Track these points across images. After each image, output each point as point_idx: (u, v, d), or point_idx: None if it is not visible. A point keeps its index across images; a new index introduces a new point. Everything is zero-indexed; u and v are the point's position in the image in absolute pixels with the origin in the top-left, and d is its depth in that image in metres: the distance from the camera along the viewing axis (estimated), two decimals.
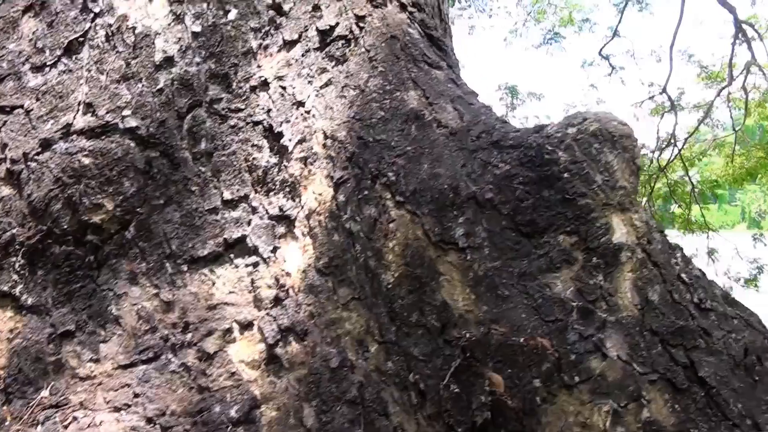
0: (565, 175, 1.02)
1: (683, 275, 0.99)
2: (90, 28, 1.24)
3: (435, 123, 1.12)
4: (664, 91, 5.45)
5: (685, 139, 5.71)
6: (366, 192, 1.05)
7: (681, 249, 1.03)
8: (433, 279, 1.01)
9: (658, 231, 1.04)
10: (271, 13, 1.24)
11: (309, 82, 1.18)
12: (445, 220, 1.02)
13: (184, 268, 1.09)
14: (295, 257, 1.05)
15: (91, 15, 1.25)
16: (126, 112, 1.16)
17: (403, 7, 1.44)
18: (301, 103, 1.15)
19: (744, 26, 4.44)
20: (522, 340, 0.95)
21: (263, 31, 1.22)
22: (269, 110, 1.15)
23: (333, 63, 1.21)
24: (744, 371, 0.92)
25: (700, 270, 1.06)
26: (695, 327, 0.94)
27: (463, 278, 1.00)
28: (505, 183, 1.05)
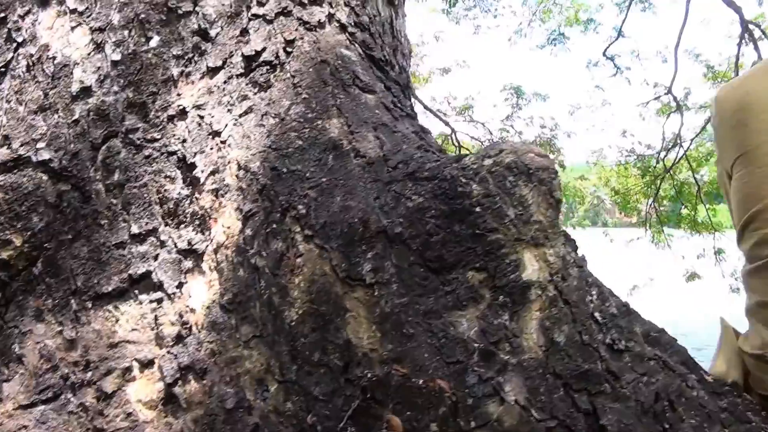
0: (477, 209, 1.23)
1: (597, 314, 1.17)
2: (12, 58, 1.52)
3: (353, 153, 1.35)
4: (669, 91, 5.97)
5: (692, 140, 6.23)
6: (274, 225, 1.28)
7: (599, 285, 1.22)
8: (339, 316, 1.22)
9: (576, 266, 1.24)
10: (196, 39, 1.51)
11: (229, 110, 1.43)
12: (354, 255, 1.24)
13: (89, 304, 1.33)
14: (201, 293, 1.28)
15: (14, 45, 1.54)
16: (40, 145, 1.43)
17: (342, 28, 1.70)
18: (217, 133, 1.40)
19: (750, 26, 4.88)
20: (422, 381, 1.15)
21: (186, 58, 1.48)
22: (184, 140, 1.40)
23: (256, 90, 1.46)
24: (653, 418, 1.10)
25: (625, 305, 1.24)
26: (602, 370, 1.13)
27: (370, 315, 1.21)
28: (417, 216, 1.26)
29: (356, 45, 1.72)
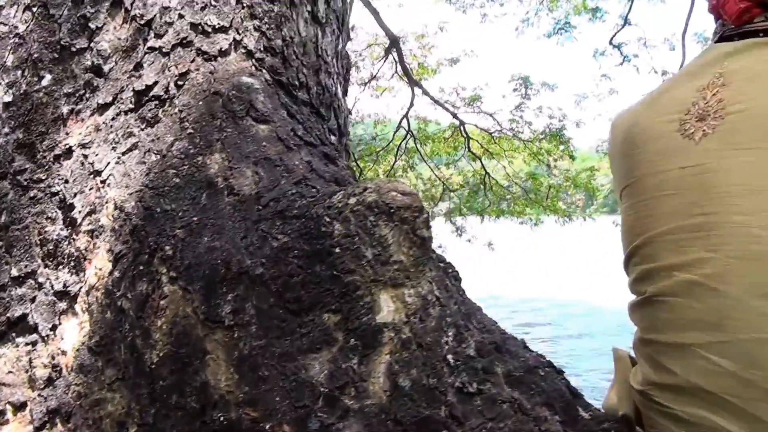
0: (337, 249, 1.25)
1: (450, 356, 1.18)
2: None
3: (227, 190, 1.38)
4: None
5: None
6: (141, 267, 1.32)
7: (457, 326, 1.22)
8: (199, 358, 1.26)
9: (438, 305, 1.25)
10: (89, 75, 1.56)
11: (113, 148, 1.47)
12: (215, 296, 1.27)
13: None
14: (72, 335, 1.33)
15: None
16: None
17: (249, 54, 1.73)
18: (98, 172, 1.44)
19: None
20: (268, 426, 1.18)
21: (77, 95, 1.53)
22: (67, 180, 1.45)
23: (143, 126, 1.51)
24: None
25: (493, 342, 1.24)
26: (445, 416, 1.13)
27: (228, 357, 1.25)
28: (281, 257, 1.29)
29: (263, 71, 1.75)
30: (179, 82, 1.56)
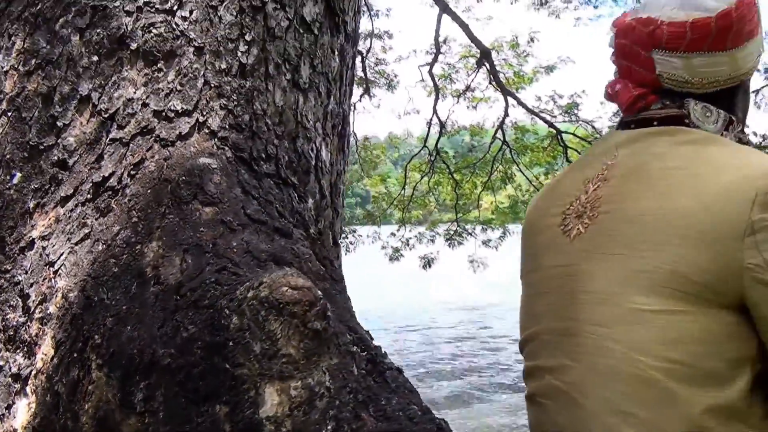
0: (231, 343, 1.35)
1: None
2: None
3: (154, 279, 1.52)
4: None
5: None
6: (75, 354, 1.48)
7: (339, 419, 1.29)
8: None
9: (327, 397, 1.32)
10: (55, 170, 1.75)
11: (68, 238, 1.65)
12: (130, 384, 1.41)
13: None
14: (22, 415, 1.52)
15: None
16: None
17: (212, 134, 1.86)
18: (52, 263, 1.63)
19: None
20: None
21: (43, 189, 1.73)
22: (26, 271, 1.64)
23: (97, 216, 1.68)
24: None
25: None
26: None
27: None
28: (188, 347, 1.41)
29: (225, 149, 1.88)
30: (132, 172, 1.71)
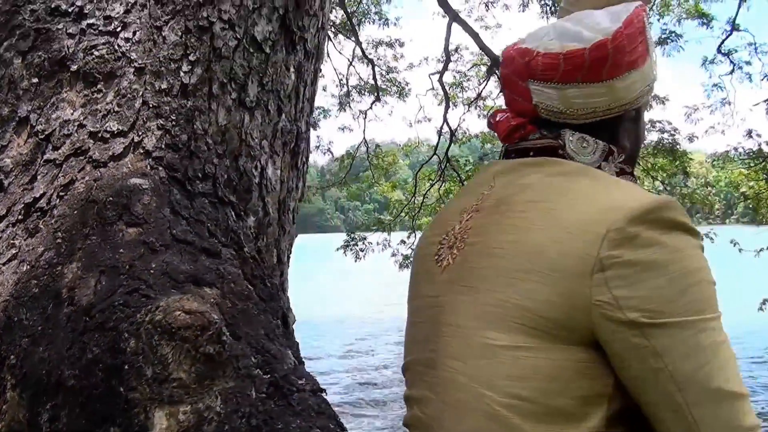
0: (126, 366, 1.39)
1: None
2: None
3: (68, 300, 1.56)
4: None
5: None
6: None
7: None
8: None
9: (216, 421, 1.35)
10: None
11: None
12: (38, 404, 1.46)
13: None
14: None
15: None
16: None
17: (147, 154, 1.90)
18: None
19: None
20: None
21: None
22: None
23: (25, 237, 1.73)
24: None
25: None
26: None
27: None
28: (91, 369, 1.45)
29: (159, 168, 1.91)
30: (61, 193, 1.76)
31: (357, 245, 12.21)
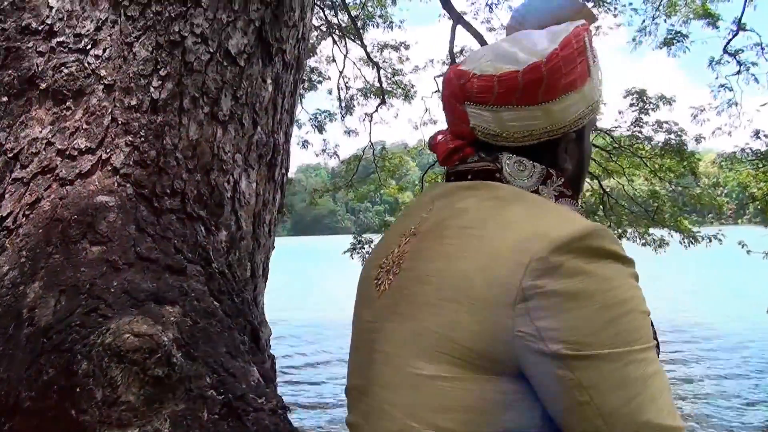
0: (78, 389, 1.40)
1: None
2: None
3: (29, 321, 1.58)
4: None
5: None
6: None
7: None
8: None
9: None
10: None
11: None
12: None
13: None
14: None
15: None
16: None
17: (115, 171, 1.92)
18: None
19: None
20: None
21: None
22: None
23: None
24: None
25: None
26: None
27: None
28: (47, 391, 1.46)
29: (127, 185, 1.93)
30: (27, 212, 1.78)
31: (363, 248, 12.20)
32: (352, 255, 12.42)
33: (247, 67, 2.38)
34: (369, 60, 11.69)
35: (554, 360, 0.85)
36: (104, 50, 2.07)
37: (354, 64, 12.69)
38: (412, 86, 12.55)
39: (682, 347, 10.92)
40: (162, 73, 2.12)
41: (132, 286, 1.70)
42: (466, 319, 0.90)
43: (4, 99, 1.96)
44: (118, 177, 1.93)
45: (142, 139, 2.01)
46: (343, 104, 13.14)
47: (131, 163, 1.97)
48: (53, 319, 1.58)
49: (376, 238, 12.76)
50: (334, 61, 12.66)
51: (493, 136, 1.06)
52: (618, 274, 0.89)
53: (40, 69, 1.99)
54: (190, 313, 1.73)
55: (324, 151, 13.91)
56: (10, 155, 1.90)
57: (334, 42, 11.73)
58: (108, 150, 1.95)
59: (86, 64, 2.03)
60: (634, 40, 9.37)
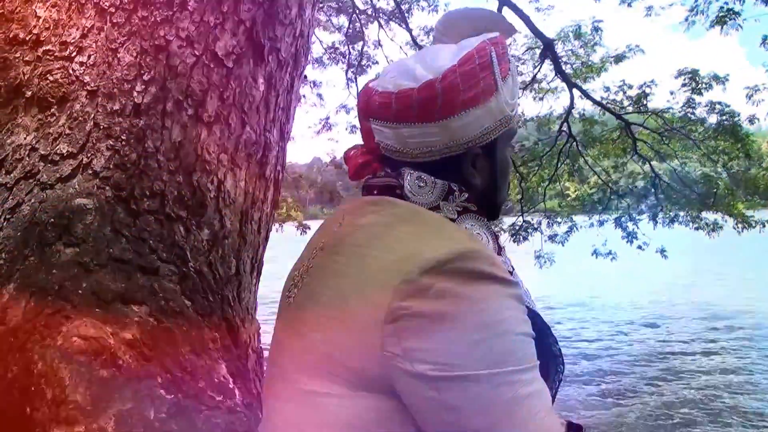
0: (33, 388, 1.51)
1: None
2: None
3: (1, 321, 1.70)
4: None
5: None
6: None
7: None
8: None
9: None
10: None
11: None
12: None
13: None
14: None
15: None
16: None
17: (95, 175, 2.03)
18: None
19: None
20: None
21: None
22: None
23: None
24: None
25: None
26: None
27: None
28: (10, 389, 1.58)
29: (107, 188, 2.03)
30: (8, 216, 1.90)
31: None
32: None
33: (236, 67, 2.45)
34: (415, 44, 11.66)
35: (421, 381, 0.87)
36: (89, 57, 2.17)
37: (400, 48, 12.64)
38: None
39: (735, 334, 10.65)
40: (146, 77, 2.21)
41: (101, 287, 1.80)
42: (344, 337, 0.93)
43: None
44: (97, 180, 2.03)
45: (123, 142, 2.11)
46: None
47: (111, 166, 2.07)
48: (22, 320, 1.69)
49: None
50: (380, 45, 12.67)
51: (394, 152, 1.09)
52: (492, 296, 0.90)
53: (26, 77, 2.10)
54: (156, 312, 1.82)
55: None
56: None
57: (380, 27, 11.74)
58: (89, 154, 2.06)
59: (71, 71, 2.14)
60: (686, 20, 9.09)
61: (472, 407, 0.86)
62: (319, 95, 13.23)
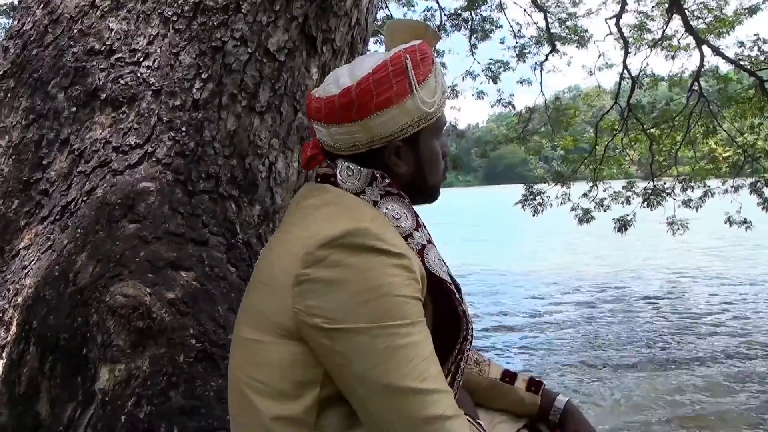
0: (88, 334, 1.95)
1: (123, 416, 1.81)
2: None
3: (73, 282, 2.16)
4: None
5: None
6: (23, 333, 2.17)
7: (141, 396, 1.82)
8: None
9: (142, 378, 1.86)
10: (40, 197, 2.46)
11: (39, 249, 2.35)
12: (45, 357, 2.07)
13: None
14: (0, 371, 2.24)
15: None
16: None
17: (158, 162, 2.46)
18: (25, 267, 2.33)
19: None
20: None
21: (31, 212, 2.44)
22: (13, 272, 2.37)
23: (59, 232, 2.35)
24: None
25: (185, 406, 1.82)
26: None
27: None
28: (75, 335, 2.03)
29: (168, 173, 2.45)
30: (85, 198, 2.36)
31: (535, 200, 12.26)
32: (523, 207, 12.48)
33: (288, 60, 2.80)
34: (536, 6, 11.58)
35: (318, 331, 1.12)
36: (154, 61, 2.59)
37: (525, 11, 12.58)
38: (585, 31, 12.24)
39: None
40: (204, 76, 2.60)
41: (155, 255, 2.21)
42: (269, 297, 1.21)
43: (73, 109, 2.54)
44: (160, 166, 2.45)
45: (183, 133, 2.51)
46: (516, 51, 13.15)
47: (172, 154, 2.48)
48: (88, 282, 2.13)
49: (550, 188, 12.69)
50: (503, 10, 12.68)
51: (330, 147, 1.34)
52: (375, 265, 1.13)
53: (101, 83, 2.54)
54: (200, 277, 2.21)
55: (499, 101, 14.01)
56: (77, 153, 2.48)
57: None
58: (153, 144, 2.48)
59: (139, 75, 2.56)
60: None
61: (354, 353, 1.11)
62: (443, 63, 13.38)
